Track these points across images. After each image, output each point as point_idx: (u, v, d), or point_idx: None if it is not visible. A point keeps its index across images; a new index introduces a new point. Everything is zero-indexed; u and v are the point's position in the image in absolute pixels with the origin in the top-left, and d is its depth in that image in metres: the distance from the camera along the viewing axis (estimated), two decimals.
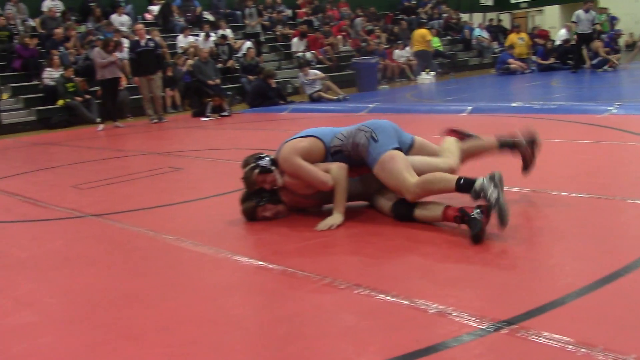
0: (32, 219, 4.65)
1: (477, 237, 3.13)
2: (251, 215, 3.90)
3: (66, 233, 4.23)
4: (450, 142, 3.89)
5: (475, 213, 3.17)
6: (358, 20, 20.20)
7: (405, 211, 3.59)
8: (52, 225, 4.45)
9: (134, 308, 2.72)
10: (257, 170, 3.79)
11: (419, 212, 3.53)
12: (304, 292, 2.73)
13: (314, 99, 13.42)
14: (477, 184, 3.22)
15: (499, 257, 3.02)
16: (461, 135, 3.97)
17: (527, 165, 3.93)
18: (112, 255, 3.58)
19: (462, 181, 3.31)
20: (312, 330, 2.35)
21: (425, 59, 17.54)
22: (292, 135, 3.92)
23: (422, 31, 17.83)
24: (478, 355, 2.05)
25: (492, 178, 3.19)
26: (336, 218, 3.66)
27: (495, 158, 4.02)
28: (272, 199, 3.88)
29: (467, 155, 3.90)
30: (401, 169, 3.52)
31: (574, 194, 3.96)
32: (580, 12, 15.33)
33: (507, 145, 3.89)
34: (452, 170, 3.61)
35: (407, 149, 3.79)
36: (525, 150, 3.87)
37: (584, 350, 1.99)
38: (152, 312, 2.66)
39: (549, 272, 2.77)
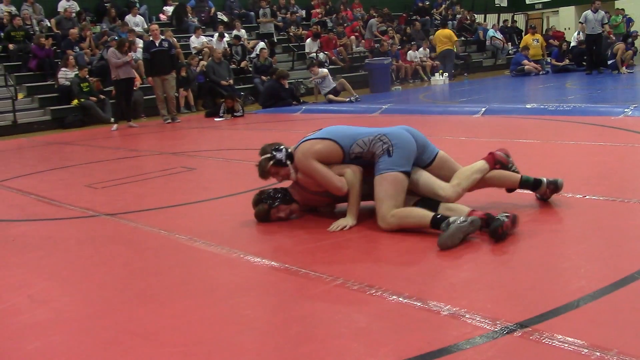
0: (47, 218, 4.69)
1: (495, 232, 3.17)
2: (265, 218, 3.90)
3: (80, 232, 4.26)
4: (472, 170, 3.73)
5: (501, 216, 3.22)
6: (373, 20, 20.18)
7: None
8: (66, 224, 4.48)
9: (147, 307, 2.73)
10: (271, 162, 3.79)
11: (443, 212, 3.53)
12: (316, 293, 2.73)
13: (328, 100, 13.45)
14: (452, 218, 3.22)
15: (512, 259, 3.00)
16: (495, 164, 3.79)
17: (543, 198, 3.88)
18: (126, 255, 3.60)
19: (438, 216, 3.31)
20: (324, 331, 2.35)
21: (450, 59, 17.85)
22: (311, 133, 3.89)
23: (446, 31, 18.18)
24: (491, 357, 2.04)
25: (467, 218, 3.20)
26: (349, 220, 3.67)
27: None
28: (285, 200, 3.89)
29: (484, 184, 3.78)
30: (391, 195, 3.49)
31: (588, 196, 3.94)
32: (588, 13, 14.91)
33: (529, 185, 3.78)
34: (447, 201, 3.59)
35: (428, 164, 3.75)
36: (545, 192, 3.80)
37: (598, 353, 1.98)
38: (164, 311, 2.67)
39: (562, 275, 2.75)
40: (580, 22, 15.70)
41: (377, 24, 20.20)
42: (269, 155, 3.80)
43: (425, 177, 3.66)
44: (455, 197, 3.62)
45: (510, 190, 3.87)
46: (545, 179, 3.78)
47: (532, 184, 3.77)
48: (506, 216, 3.21)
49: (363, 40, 19.65)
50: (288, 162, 3.78)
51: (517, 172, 3.82)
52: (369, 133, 3.71)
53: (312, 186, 3.82)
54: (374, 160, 3.63)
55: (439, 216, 3.32)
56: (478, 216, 3.32)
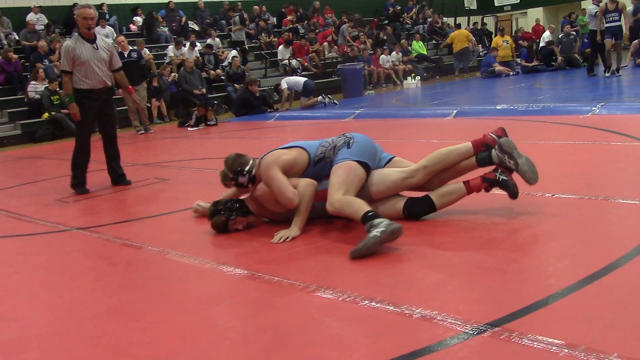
0: (17, 234, 4.62)
1: (515, 195, 3.57)
2: (222, 229, 3.92)
3: (51, 247, 4.20)
4: (448, 150, 3.70)
5: (499, 174, 3.56)
6: (345, 26, 20.26)
7: (421, 208, 3.65)
8: (37, 240, 4.42)
9: (119, 321, 2.70)
10: (234, 183, 3.89)
11: (440, 202, 3.65)
12: (289, 300, 2.73)
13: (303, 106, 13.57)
14: (376, 221, 3.20)
15: (483, 259, 3.03)
16: (482, 146, 3.68)
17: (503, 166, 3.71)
18: (97, 269, 3.56)
19: (369, 214, 3.29)
20: (297, 339, 2.34)
21: (467, 56, 19.99)
22: (280, 146, 3.94)
23: (464, 31, 20.47)
24: (462, 358, 2.05)
25: (389, 225, 3.15)
26: (292, 231, 3.65)
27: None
28: (242, 212, 3.92)
29: (458, 171, 3.77)
30: (342, 181, 3.53)
31: (557, 195, 3.99)
32: (591, 8, 13.23)
33: (485, 159, 3.68)
34: (415, 186, 3.66)
35: (384, 165, 3.83)
36: (499, 159, 3.63)
37: (566, 350, 2.00)
38: (137, 324, 2.65)
39: (532, 274, 2.78)
40: (586, 20, 13.93)
41: (349, 29, 20.30)
42: (231, 176, 3.86)
43: (387, 180, 3.68)
44: (420, 179, 3.66)
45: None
46: (494, 148, 3.65)
47: (488, 157, 3.67)
48: (501, 172, 3.54)
49: (336, 46, 19.72)
50: (249, 185, 3.87)
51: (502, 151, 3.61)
52: (334, 137, 3.88)
53: (269, 203, 3.86)
54: (336, 154, 3.70)
55: (369, 214, 3.28)
56: (479, 185, 3.57)
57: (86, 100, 5.95)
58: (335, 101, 13.57)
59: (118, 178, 6.22)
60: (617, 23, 12.93)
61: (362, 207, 3.37)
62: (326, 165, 3.76)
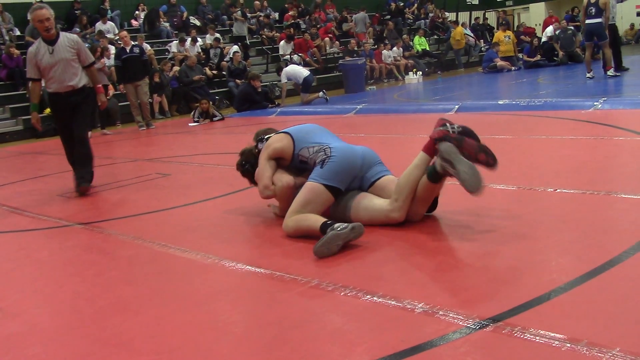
0: (19, 229, 4.63)
1: (488, 163, 3.32)
2: (247, 159, 4.13)
3: (53, 242, 4.21)
4: (408, 175, 3.45)
5: (450, 128, 3.35)
6: (363, 14, 20.30)
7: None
8: (39, 235, 4.43)
9: (121, 316, 2.71)
10: (256, 150, 4.06)
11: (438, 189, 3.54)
12: (291, 295, 2.73)
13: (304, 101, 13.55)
14: (337, 224, 3.22)
15: (485, 254, 3.03)
16: (435, 144, 3.36)
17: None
18: (99, 264, 3.57)
19: (327, 223, 3.30)
20: (300, 334, 2.35)
21: (466, 51, 21.53)
22: (288, 128, 3.99)
23: (462, 29, 21.34)
24: (464, 353, 2.06)
25: (346, 226, 3.19)
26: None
27: None
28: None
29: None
30: (301, 202, 3.53)
31: (559, 190, 3.98)
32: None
33: (436, 175, 3.38)
34: (397, 221, 3.50)
35: (369, 184, 3.67)
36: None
37: (568, 345, 2.00)
38: (140, 319, 2.65)
39: (534, 269, 2.78)
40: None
41: (367, 20, 20.37)
42: (255, 143, 4.09)
43: (367, 210, 3.54)
44: (400, 214, 3.48)
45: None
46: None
47: (434, 170, 3.36)
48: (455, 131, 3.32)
49: (337, 42, 19.69)
50: None
51: (462, 134, 3.37)
52: (322, 143, 3.72)
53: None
54: (312, 167, 3.69)
55: (328, 222, 3.30)
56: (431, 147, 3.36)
57: (55, 104, 5.82)
58: (327, 97, 13.51)
59: (78, 180, 5.72)
60: (597, 20, 11.37)
61: (318, 219, 3.40)
62: (308, 167, 3.75)
